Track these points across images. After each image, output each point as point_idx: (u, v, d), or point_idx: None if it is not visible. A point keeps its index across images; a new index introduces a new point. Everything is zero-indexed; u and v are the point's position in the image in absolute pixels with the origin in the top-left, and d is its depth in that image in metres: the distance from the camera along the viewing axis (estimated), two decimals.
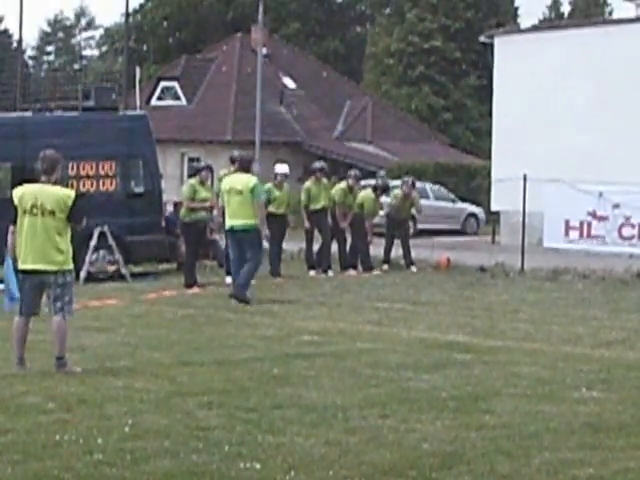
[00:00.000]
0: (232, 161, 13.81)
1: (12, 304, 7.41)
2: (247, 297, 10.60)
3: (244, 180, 10.70)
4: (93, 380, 6.79)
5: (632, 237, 15.80)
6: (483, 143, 32.89)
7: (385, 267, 15.30)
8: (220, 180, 13.64)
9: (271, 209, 13.99)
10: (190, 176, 14.27)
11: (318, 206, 14.53)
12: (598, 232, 16.04)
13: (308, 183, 14.82)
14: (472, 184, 28.61)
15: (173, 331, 9.22)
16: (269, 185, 14.25)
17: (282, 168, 14.42)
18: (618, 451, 5.19)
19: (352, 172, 15.23)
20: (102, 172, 14.18)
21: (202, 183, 12.97)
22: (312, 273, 14.48)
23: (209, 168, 13.36)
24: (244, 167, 10.94)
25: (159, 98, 33.92)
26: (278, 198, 14.05)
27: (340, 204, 14.72)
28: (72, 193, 7.21)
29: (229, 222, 10.83)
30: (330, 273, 14.46)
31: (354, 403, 6.19)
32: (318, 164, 15.09)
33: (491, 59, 22.35)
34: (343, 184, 15.03)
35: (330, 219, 14.77)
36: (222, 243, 13.67)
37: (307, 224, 14.59)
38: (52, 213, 7.06)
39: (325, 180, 14.79)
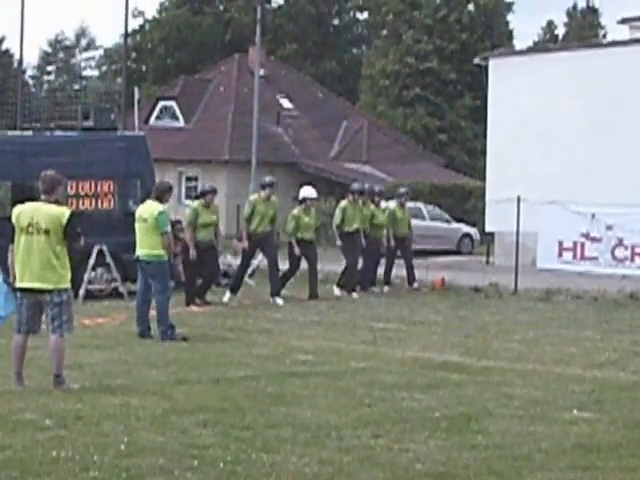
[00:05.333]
0: (262, 187, 13.30)
1: None
2: (177, 336, 9.92)
3: (151, 208, 10.25)
4: (90, 397, 6.83)
5: (625, 258, 15.91)
6: (478, 163, 33.05)
7: (386, 288, 15.13)
8: (251, 205, 13.03)
9: (299, 235, 13.53)
10: (195, 198, 13.91)
11: (351, 229, 14.25)
12: (591, 253, 16.14)
13: (344, 203, 14.43)
14: (467, 205, 28.73)
15: (169, 349, 9.26)
16: (296, 211, 13.69)
17: (310, 192, 13.77)
18: (609, 472, 5.22)
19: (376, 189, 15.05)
20: (100, 191, 14.28)
21: (207, 206, 12.73)
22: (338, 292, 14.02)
23: (214, 191, 12.99)
24: (157, 196, 10.33)
25: (157, 118, 34.09)
26: (306, 225, 13.58)
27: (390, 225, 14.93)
28: (67, 211, 7.20)
29: (136, 251, 10.40)
30: (354, 295, 14.07)
31: (348, 422, 6.23)
32: (356, 185, 14.77)
33: (486, 80, 22.49)
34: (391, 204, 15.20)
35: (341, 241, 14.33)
36: (220, 261, 13.71)
37: (339, 242, 14.17)
38: (47, 232, 7.09)
39: (361, 202, 14.43)
